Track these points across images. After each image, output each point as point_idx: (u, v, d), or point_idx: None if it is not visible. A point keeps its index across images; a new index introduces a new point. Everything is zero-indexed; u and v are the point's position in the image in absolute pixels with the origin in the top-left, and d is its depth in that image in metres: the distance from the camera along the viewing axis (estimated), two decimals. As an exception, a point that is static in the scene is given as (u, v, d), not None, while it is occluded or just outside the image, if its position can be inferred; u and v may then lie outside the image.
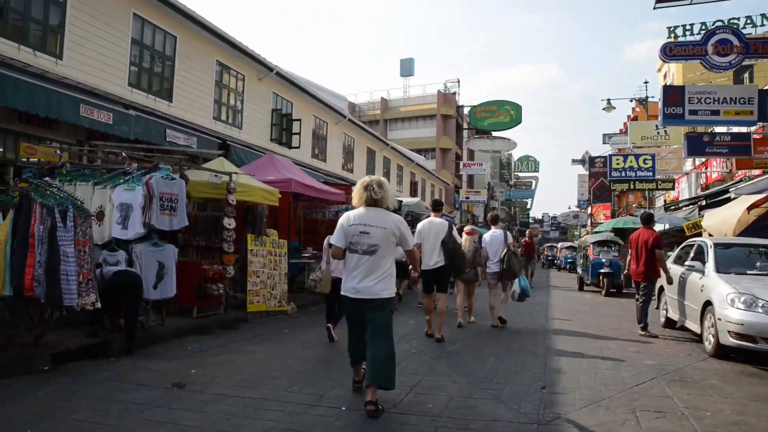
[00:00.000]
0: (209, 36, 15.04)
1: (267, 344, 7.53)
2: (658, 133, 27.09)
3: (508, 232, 10.20)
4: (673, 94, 15.13)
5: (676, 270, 9.22)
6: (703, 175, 25.71)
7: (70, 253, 5.58)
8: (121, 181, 7.29)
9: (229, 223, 8.90)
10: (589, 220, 58.62)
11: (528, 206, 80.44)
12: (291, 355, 6.81)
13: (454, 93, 50.94)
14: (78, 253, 5.70)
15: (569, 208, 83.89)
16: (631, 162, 23.16)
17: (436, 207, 9.04)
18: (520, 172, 72.26)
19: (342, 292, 4.86)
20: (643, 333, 8.99)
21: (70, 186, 7.17)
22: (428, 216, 9.18)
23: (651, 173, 22.96)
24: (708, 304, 7.35)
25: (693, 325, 8.16)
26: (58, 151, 7.56)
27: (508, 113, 42.08)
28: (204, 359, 6.46)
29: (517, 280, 9.76)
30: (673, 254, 10.00)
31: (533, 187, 71.07)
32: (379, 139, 29.83)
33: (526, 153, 76.56)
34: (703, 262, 8.07)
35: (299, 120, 19.98)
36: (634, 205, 49.68)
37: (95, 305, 5.87)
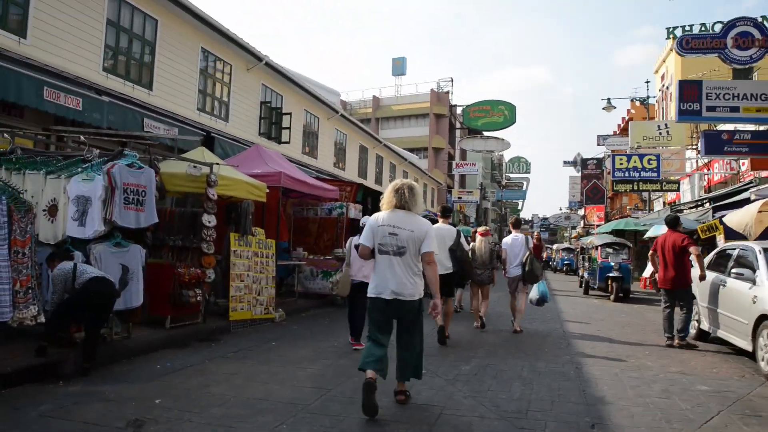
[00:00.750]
0: (193, 20, 13.93)
1: (251, 362, 6.43)
2: (660, 133, 26.26)
3: (529, 236, 9.80)
4: (689, 89, 14.27)
5: (710, 278, 8.24)
6: (706, 177, 24.94)
7: (2, 256, 4.46)
8: (79, 169, 6.15)
9: (209, 220, 7.78)
10: (582, 222, 58.05)
11: (519, 207, 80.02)
12: (279, 378, 5.71)
13: (447, 92, 50.02)
14: (14, 256, 4.58)
15: (560, 209, 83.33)
16: (635, 162, 22.21)
17: (445, 213, 8.80)
18: (511, 173, 71.78)
19: (370, 294, 4.81)
20: (682, 343, 8.16)
21: (18, 175, 6.05)
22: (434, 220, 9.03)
23: (656, 174, 22.02)
24: (764, 318, 6.35)
25: (738, 340, 7.16)
26: (6, 135, 6.40)
27: (501, 113, 41.45)
28: (174, 383, 5.36)
29: (536, 284, 9.51)
30: (705, 260, 9.01)
31: (524, 188, 70.52)
32: (372, 137, 28.77)
33: (517, 154, 76.17)
34: (753, 270, 7.06)
35: (290, 114, 18.89)
36: (628, 208, 49.07)
37: (37, 319, 4.75)
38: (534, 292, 9.49)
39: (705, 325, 8.38)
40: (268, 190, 9.51)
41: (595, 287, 16.06)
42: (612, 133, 53.48)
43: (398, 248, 4.67)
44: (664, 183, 22.93)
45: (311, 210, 12.80)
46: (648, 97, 29.33)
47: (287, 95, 19.47)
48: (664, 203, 32.63)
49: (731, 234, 13.38)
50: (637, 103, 38.70)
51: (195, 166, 7.94)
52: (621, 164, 22.37)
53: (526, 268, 9.23)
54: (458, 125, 48.97)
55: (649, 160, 22.18)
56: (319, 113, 22.23)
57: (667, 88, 37.01)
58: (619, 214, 50.34)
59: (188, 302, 7.35)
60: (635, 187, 22.85)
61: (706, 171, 24.41)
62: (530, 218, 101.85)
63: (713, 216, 15.24)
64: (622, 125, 56.20)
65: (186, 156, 8.79)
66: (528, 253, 9.33)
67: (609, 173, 61.29)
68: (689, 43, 14.33)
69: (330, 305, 12.11)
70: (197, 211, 8.07)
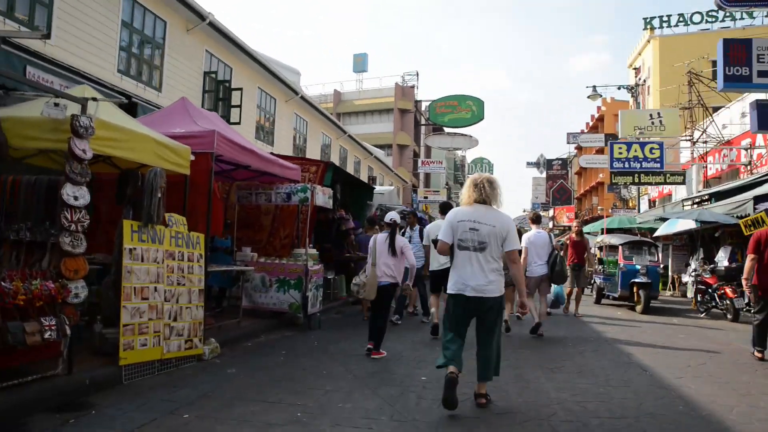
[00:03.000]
0: (110, -48, 10.59)
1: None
2: (653, 122, 23.99)
3: (550, 233, 9.95)
4: (736, 50, 11.61)
5: None
6: (702, 171, 22.68)
7: None
8: None
9: (75, 194, 4.41)
10: (550, 223, 56.04)
11: (482, 209, 78.20)
12: None
13: (413, 86, 47.23)
14: None
15: (524, 210, 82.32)
16: (635, 151, 19.58)
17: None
18: (474, 174, 69.85)
19: (450, 290, 4.73)
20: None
21: None
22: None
23: (659, 164, 19.43)
24: None
25: None
26: None
27: (469, 109, 39.31)
28: None
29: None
30: None
31: (488, 189, 68.45)
32: (336, 125, 25.55)
33: (479, 155, 74.58)
34: None
35: (240, 89, 15.53)
36: (599, 208, 47.14)
37: None
38: (550, 293, 9.26)
39: None
40: (193, 157, 6.18)
41: (617, 296, 13.04)
42: (580, 132, 51.84)
43: (479, 243, 4.58)
44: (668, 175, 20.35)
45: (263, 195, 9.24)
46: (636, 84, 26.95)
47: (238, 68, 16.19)
48: (650, 201, 30.35)
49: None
50: (614, 96, 36.61)
51: (57, 104, 4.55)
52: (620, 153, 19.72)
53: (557, 268, 8.88)
54: (423, 121, 46.32)
55: (652, 149, 19.60)
56: (277, 93, 18.97)
57: (644, 81, 34.95)
58: (590, 214, 48.47)
59: (20, 342, 3.92)
60: (636, 179, 20.22)
61: (704, 163, 22.12)
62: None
63: (755, 209, 12.62)
64: (591, 123, 54.66)
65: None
66: (553, 250, 9.09)
67: (576, 173, 59.85)
68: (734, -6, 11.67)
69: (288, 326, 8.78)
70: (57, 181, 4.66)
